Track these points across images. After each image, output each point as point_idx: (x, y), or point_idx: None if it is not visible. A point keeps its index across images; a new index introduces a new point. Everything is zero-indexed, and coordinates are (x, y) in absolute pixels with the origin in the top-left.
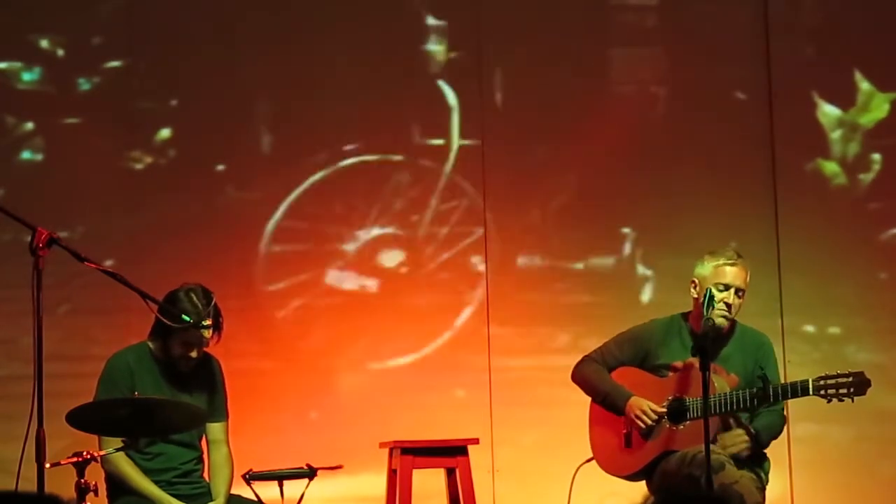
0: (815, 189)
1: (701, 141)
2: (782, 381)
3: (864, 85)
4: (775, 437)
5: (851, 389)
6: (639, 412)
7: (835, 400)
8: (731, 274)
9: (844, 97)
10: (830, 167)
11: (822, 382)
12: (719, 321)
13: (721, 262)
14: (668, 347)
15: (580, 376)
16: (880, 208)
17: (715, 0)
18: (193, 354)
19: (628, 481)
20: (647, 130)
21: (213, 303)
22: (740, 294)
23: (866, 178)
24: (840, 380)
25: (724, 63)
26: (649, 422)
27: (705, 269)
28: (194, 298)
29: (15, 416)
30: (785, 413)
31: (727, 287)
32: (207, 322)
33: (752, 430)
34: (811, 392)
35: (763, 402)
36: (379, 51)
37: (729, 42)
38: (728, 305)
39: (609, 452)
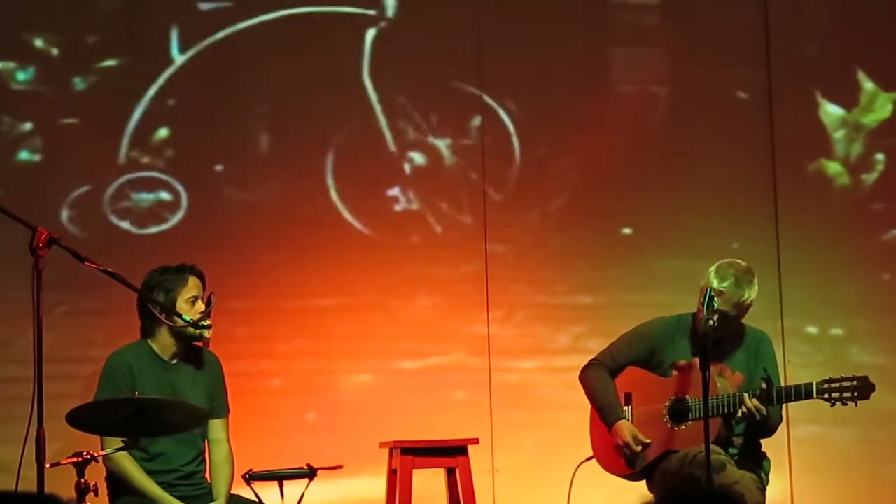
0: (817, 189)
1: (702, 141)
2: (780, 377)
3: (868, 84)
4: (776, 426)
5: (855, 394)
6: (620, 443)
7: (838, 404)
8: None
9: (847, 97)
10: (833, 167)
11: (826, 386)
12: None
13: (722, 287)
14: (676, 346)
15: (585, 381)
16: (884, 209)
17: None
18: (198, 305)
19: (628, 481)
20: (648, 130)
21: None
22: (731, 318)
23: (869, 178)
24: (844, 383)
25: (725, 63)
26: (629, 453)
27: (708, 282)
28: (170, 267)
29: (14, 418)
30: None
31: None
32: (208, 322)
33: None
34: (815, 395)
35: (766, 404)
36: (378, 50)
37: (730, 41)
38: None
39: (610, 452)
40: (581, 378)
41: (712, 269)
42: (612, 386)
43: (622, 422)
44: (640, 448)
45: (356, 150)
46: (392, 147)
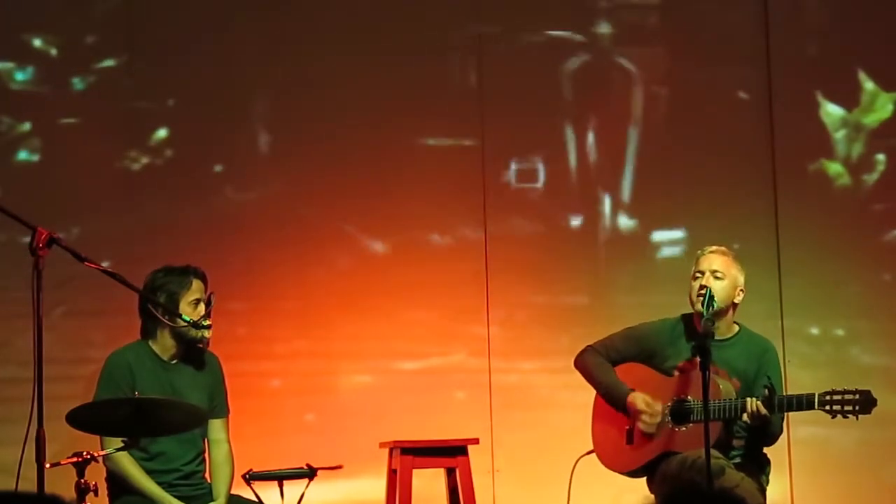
0: (817, 189)
1: (702, 141)
2: (784, 388)
3: (868, 84)
4: (777, 435)
5: (857, 407)
6: (634, 411)
7: (839, 416)
8: (703, 261)
9: (848, 97)
10: (834, 167)
11: (828, 398)
12: (698, 308)
13: (696, 256)
14: (677, 347)
15: (583, 365)
16: (884, 209)
17: None
18: (200, 308)
19: (628, 478)
20: (648, 130)
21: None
22: (718, 275)
23: (870, 178)
24: (846, 396)
25: (725, 62)
26: (650, 420)
27: (696, 263)
28: (174, 268)
29: (13, 419)
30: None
31: (701, 273)
32: (207, 322)
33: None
34: (816, 406)
35: (768, 412)
36: (379, 50)
37: (730, 41)
38: (703, 287)
39: (610, 448)
40: (578, 363)
41: (697, 255)
42: (612, 368)
43: (633, 394)
44: (657, 412)
45: (356, 150)
46: (394, 148)
